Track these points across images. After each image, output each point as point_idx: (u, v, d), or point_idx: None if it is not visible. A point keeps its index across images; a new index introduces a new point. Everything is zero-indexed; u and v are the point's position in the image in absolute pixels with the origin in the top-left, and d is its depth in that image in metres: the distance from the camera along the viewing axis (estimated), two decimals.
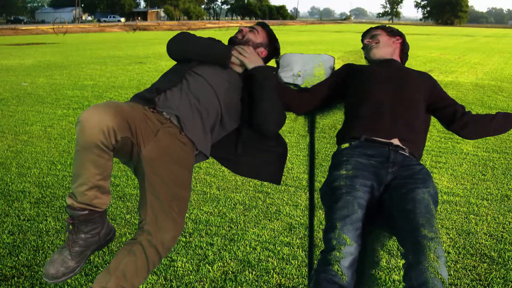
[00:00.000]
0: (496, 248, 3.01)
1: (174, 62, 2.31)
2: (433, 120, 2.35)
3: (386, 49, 2.39)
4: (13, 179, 4.10)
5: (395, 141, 2.09)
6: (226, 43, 2.35)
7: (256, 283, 2.59)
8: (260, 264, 2.77)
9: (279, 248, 2.95)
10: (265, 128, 2.18)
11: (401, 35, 2.47)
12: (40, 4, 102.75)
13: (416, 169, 2.01)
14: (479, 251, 2.97)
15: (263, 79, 2.17)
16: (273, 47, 2.41)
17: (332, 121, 6.00)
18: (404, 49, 2.45)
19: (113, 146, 1.69)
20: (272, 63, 2.43)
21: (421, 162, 2.14)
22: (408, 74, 2.29)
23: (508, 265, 2.81)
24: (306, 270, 2.63)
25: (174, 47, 2.26)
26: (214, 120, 2.11)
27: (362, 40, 2.50)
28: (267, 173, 2.28)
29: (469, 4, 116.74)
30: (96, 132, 1.63)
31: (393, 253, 2.88)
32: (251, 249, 2.94)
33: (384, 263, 2.77)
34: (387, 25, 2.53)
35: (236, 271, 2.69)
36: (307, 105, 2.32)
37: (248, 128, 2.24)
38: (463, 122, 2.20)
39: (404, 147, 2.09)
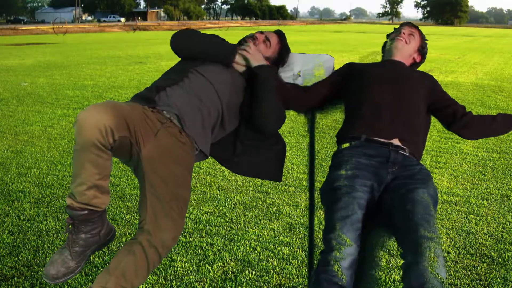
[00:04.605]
0: (496, 248, 3.01)
1: (175, 62, 2.31)
2: (433, 120, 2.35)
3: (407, 52, 2.37)
4: (13, 179, 4.10)
5: (395, 141, 2.09)
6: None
7: (256, 283, 2.59)
8: (260, 264, 2.77)
9: (279, 248, 2.95)
10: (265, 126, 2.18)
11: (425, 56, 2.45)
12: (40, 4, 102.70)
13: (416, 169, 2.01)
14: (479, 251, 2.97)
15: (265, 78, 2.17)
16: (279, 60, 2.39)
17: (332, 121, 5.99)
18: (415, 66, 2.44)
19: (111, 146, 1.69)
20: None
21: (421, 162, 2.14)
22: (409, 74, 2.29)
23: (508, 265, 2.81)
24: (306, 270, 2.63)
25: (179, 42, 2.24)
26: (215, 120, 2.11)
27: (399, 28, 2.44)
28: (267, 171, 2.28)
29: (469, 4, 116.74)
30: (93, 131, 1.63)
31: (393, 253, 2.88)
32: (251, 249, 2.94)
33: (384, 263, 2.77)
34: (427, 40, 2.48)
35: (236, 271, 2.69)
36: (307, 103, 2.32)
37: (246, 128, 2.24)
38: (464, 123, 2.21)
39: (404, 147, 2.09)
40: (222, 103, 2.11)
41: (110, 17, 78.37)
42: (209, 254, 2.86)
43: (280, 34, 2.39)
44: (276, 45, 2.36)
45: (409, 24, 2.46)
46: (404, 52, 2.36)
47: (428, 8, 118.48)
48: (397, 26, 2.53)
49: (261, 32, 2.38)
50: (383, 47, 2.48)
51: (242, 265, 2.76)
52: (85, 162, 1.66)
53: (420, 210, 1.80)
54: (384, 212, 1.92)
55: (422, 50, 2.42)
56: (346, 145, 2.13)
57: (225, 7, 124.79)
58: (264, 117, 2.16)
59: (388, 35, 2.48)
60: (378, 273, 2.65)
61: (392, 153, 2.04)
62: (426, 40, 2.46)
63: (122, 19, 73.89)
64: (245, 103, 2.21)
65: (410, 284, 1.62)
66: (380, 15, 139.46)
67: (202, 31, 2.33)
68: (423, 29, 2.50)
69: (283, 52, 2.38)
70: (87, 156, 1.66)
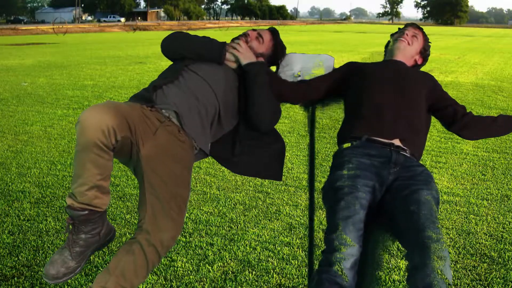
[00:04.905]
0: (496, 248, 3.01)
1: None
2: (433, 120, 2.35)
3: (409, 54, 2.36)
4: (13, 179, 4.10)
5: (396, 142, 2.08)
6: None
7: (256, 283, 2.59)
8: (260, 264, 2.77)
9: (279, 248, 2.95)
10: (260, 123, 2.18)
11: (427, 58, 2.45)
12: (40, 4, 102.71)
13: (418, 171, 2.01)
14: (479, 251, 2.96)
15: (256, 75, 2.17)
16: (273, 57, 2.38)
17: (332, 121, 5.99)
18: (416, 68, 2.44)
19: (113, 146, 1.69)
20: None
21: (421, 162, 2.14)
22: (410, 74, 2.29)
23: (508, 265, 2.81)
24: (306, 270, 2.63)
25: (168, 46, 2.27)
26: (212, 117, 2.11)
27: (403, 28, 2.44)
28: (267, 170, 2.28)
29: (469, 4, 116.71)
30: (96, 132, 1.63)
31: (393, 253, 2.88)
32: (251, 249, 2.94)
33: (384, 263, 2.77)
34: (430, 42, 2.47)
35: (236, 271, 2.69)
36: (303, 95, 2.32)
37: (246, 127, 2.24)
38: (464, 123, 2.20)
39: (405, 147, 2.09)
40: (218, 100, 2.12)
41: (110, 17, 78.35)
42: (209, 254, 2.86)
43: (273, 31, 2.40)
44: (269, 42, 2.36)
45: (413, 25, 2.45)
46: (406, 53, 2.36)
47: (428, 8, 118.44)
48: (399, 26, 2.53)
49: (254, 30, 2.39)
50: (386, 46, 2.48)
51: (242, 265, 2.76)
52: (87, 163, 1.66)
53: (425, 211, 1.80)
54: (386, 213, 1.91)
55: (425, 53, 2.41)
56: (347, 145, 2.13)
57: (225, 7, 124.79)
58: (257, 114, 2.16)
59: (392, 35, 2.48)
60: (378, 273, 2.65)
61: (394, 154, 2.04)
62: (430, 42, 2.45)
63: (122, 19, 73.86)
64: (242, 103, 2.21)
65: (416, 285, 1.61)
66: (380, 15, 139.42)
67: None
68: (423, 29, 2.50)
69: (277, 49, 2.38)
70: (88, 157, 1.66)
